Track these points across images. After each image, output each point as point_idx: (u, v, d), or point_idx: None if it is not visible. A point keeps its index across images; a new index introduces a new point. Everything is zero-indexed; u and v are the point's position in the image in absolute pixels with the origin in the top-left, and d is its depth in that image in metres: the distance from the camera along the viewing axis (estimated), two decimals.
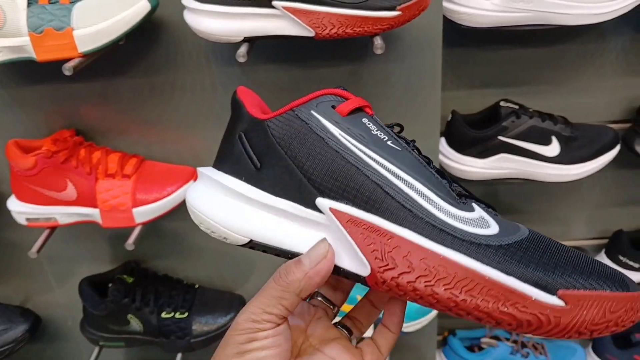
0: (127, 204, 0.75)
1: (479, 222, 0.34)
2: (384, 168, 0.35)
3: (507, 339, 1.07)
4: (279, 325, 0.35)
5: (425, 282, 0.32)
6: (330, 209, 0.35)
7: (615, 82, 0.90)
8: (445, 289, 0.31)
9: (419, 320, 0.90)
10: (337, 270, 0.35)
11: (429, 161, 0.37)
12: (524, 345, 1.07)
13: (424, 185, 0.35)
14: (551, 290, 0.30)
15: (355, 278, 0.34)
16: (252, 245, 0.38)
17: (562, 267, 0.31)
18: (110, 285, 0.87)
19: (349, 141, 0.35)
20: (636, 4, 0.75)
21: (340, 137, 0.36)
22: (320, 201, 0.35)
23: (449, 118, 0.86)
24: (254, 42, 0.66)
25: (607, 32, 0.86)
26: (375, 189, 0.34)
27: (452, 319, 1.12)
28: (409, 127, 0.82)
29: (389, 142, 0.36)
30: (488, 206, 0.36)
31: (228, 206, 0.38)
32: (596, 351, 1.10)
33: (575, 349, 1.10)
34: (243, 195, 0.37)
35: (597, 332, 0.30)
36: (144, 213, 0.76)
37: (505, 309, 0.30)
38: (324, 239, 0.35)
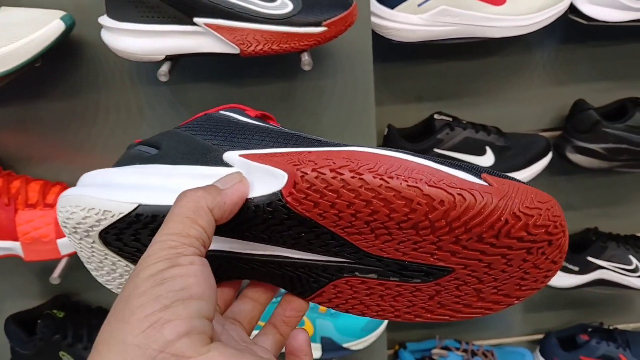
0: (50, 235, 0.70)
1: None
2: None
3: (457, 349, 1.07)
4: (200, 255, 0.28)
5: (350, 170, 0.30)
6: (240, 155, 0.34)
7: (544, 91, 0.93)
8: (373, 176, 0.29)
9: (366, 337, 0.89)
10: (250, 204, 0.32)
11: None
12: (474, 354, 1.07)
13: None
14: (475, 174, 0.30)
15: (271, 205, 0.31)
16: (138, 213, 0.33)
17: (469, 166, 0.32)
18: (39, 321, 0.82)
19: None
20: (558, 16, 0.77)
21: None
22: (229, 154, 0.34)
23: (385, 132, 0.86)
24: (177, 60, 0.63)
25: (533, 43, 0.89)
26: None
27: (401, 332, 1.12)
28: (346, 141, 0.81)
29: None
30: None
31: (114, 183, 0.35)
32: (544, 354, 1.11)
33: (523, 354, 1.11)
34: (135, 174, 0.35)
35: (535, 220, 0.29)
36: (69, 244, 0.71)
37: (434, 185, 0.29)
38: (237, 172, 0.33)
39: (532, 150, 0.87)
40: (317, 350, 0.89)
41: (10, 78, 0.63)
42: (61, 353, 0.83)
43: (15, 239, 0.71)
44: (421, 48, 0.80)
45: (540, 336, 1.17)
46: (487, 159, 0.85)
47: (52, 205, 0.71)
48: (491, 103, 0.92)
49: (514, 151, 0.87)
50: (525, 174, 0.87)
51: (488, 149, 0.85)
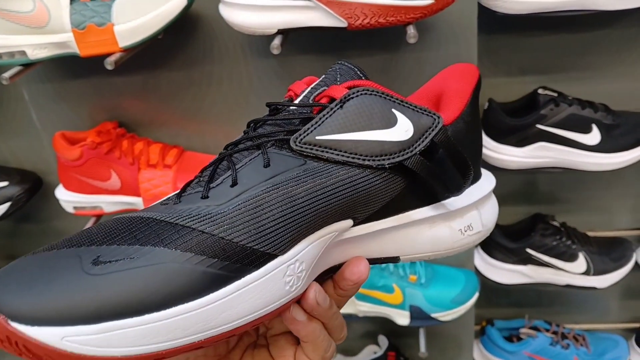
0: (168, 193, 0.77)
1: None
2: None
3: (547, 330, 1.06)
4: None
5: None
6: None
7: None
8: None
9: (455, 309, 0.90)
10: None
11: None
12: (564, 337, 1.05)
13: None
14: None
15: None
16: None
17: None
18: None
19: None
20: None
21: None
22: None
23: (486, 106, 0.85)
24: (288, 34, 0.67)
25: None
26: None
27: (490, 309, 1.12)
28: None
29: None
30: None
31: None
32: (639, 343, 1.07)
33: (617, 341, 1.07)
34: None
35: None
36: None
37: None
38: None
39: None
40: (405, 318, 0.91)
41: (136, 50, 0.70)
42: None
43: (138, 195, 0.79)
44: (527, 20, 0.78)
45: (637, 325, 1.13)
46: (593, 137, 0.82)
47: (170, 166, 0.78)
48: (600, 78, 0.88)
49: (622, 130, 0.83)
50: (633, 155, 0.83)
51: (594, 126, 0.82)
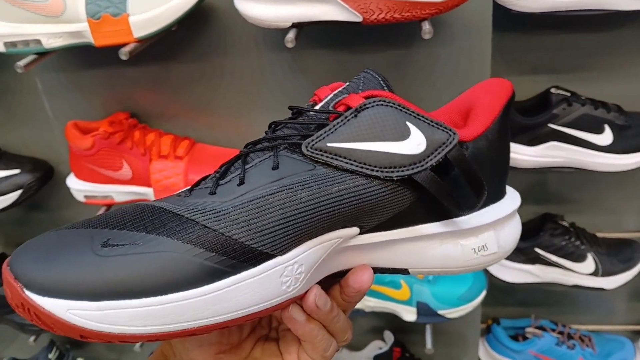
0: (179, 185, 0.78)
1: None
2: None
3: (553, 330, 1.06)
4: None
5: None
6: None
7: None
8: None
9: (462, 307, 0.90)
10: None
11: None
12: (570, 337, 1.05)
13: None
14: None
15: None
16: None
17: None
18: None
19: None
20: None
21: None
22: None
23: None
24: (302, 28, 0.67)
25: None
26: None
27: (496, 307, 1.12)
28: None
29: None
30: None
31: None
32: None
33: (623, 343, 1.07)
34: None
35: None
36: None
37: None
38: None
39: None
40: (412, 314, 0.91)
41: (150, 41, 0.70)
42: None
43: (149, 186, 0.79)
44: (542, 18, 0.78)
45: None
46: (605, 138, 0.81)
47: (182, 158, 0.78)
48: (613, 79, 0.88)
49: (634, 131, 0.83)
50: None
51: (607, 127, 0.81)
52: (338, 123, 0.34)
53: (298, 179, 0.33)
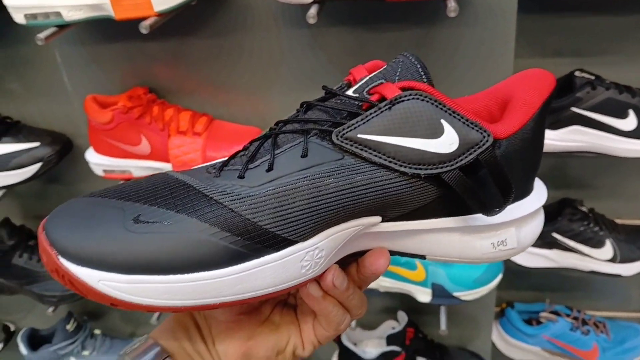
0: (197, 161, 0.78)
1: None
2: None
3: (567, 315, 1.05)
4: None
5: None
6: None
7: None
8: None
9: (477, 289, 0.90)
10: None
11: None
12: (584, 323, 1.04)
13: None
14: None
15: None
16: None
17: None
18: None
19: None
20: None
21: None
22: None
23: None
24: (324, 4, 0.66)
25: None
26: None
27: (511, 291, 1.11)
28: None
29: None
30: None
31: None
32: None
33: (638, 330, 1.06)
34: None
35: None
36: None
37: None
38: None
39: None
40: (426, 295, 0.92)
41: (170, 15, 0.69)
42: None
43: (167, 161, 0.79)
44: (566, 1, 0.76)
45: None
46: (629, 123, 0.80)
47: (200, 134, 0.78)
48: (639, 63, 0.86)
49: None
50: None
51: (631, 112, 0.80)
52: (371, 114, 0.33)
53: (325, 168, 0.33)
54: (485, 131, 0.33)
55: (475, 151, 0.33)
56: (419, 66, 0.35)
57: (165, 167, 0.80)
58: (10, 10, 0.67)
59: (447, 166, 0.33)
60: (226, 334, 0.39)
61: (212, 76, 0.83)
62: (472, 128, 0.33)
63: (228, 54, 0.80)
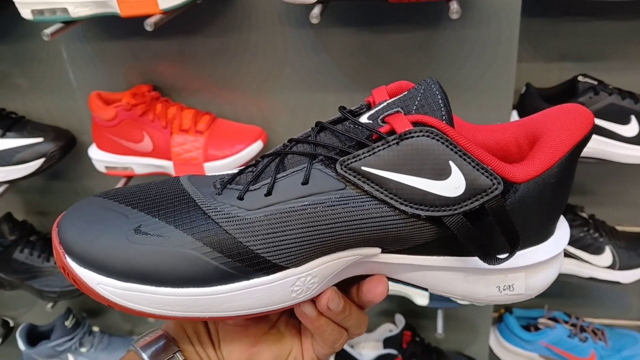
0: (199, 159, 0.78)
1: None
2: None
3: (566, 322, 1.05)
4: None
5: None
6: None
7: None
8: None
9: None
10: None
11: None
12: (582, 330, 1.04)
13: None
14: None
15: None
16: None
17: None
18: None
19: None
20: None
21: None
22: None
23: (523, 91, 0.84)
24: (327, 4, 0.66)
25: None
26: None
27: None
28: (480, 97, 0.80)
29: None
30: None
31: None
32: None
33: (636, 338, 1.06)
34: None
35: None
36: (214, 168, 0.79)
37: None
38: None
39: None
40: (424, 298, 0.92)
41: (175, 13, 0.70)
42: None
43: (169, 159, 0.79)
44: (571, 4, 0.76)
45: None
46: (631, 129, 0.80)
47: (202, 132, 0.78)
48: None
49: None
50: None
51: (633, 118, 0.80)
52: (378, 147, 0.32)
53: (325, 198, 0.33)
54: (495, 178, 0.32)
55: (482, 198, 0.32)
56: (439, 97, 0.34)
57: (167, 164, 0.80)
58: (17, 6, 0.68)
59: (449, 210, 0.32)
60: (232, 338, 0.39)
61: (216, 75, 0.83)
62: (482, 173, 0.32)
63: (233, 53, 0.81)
